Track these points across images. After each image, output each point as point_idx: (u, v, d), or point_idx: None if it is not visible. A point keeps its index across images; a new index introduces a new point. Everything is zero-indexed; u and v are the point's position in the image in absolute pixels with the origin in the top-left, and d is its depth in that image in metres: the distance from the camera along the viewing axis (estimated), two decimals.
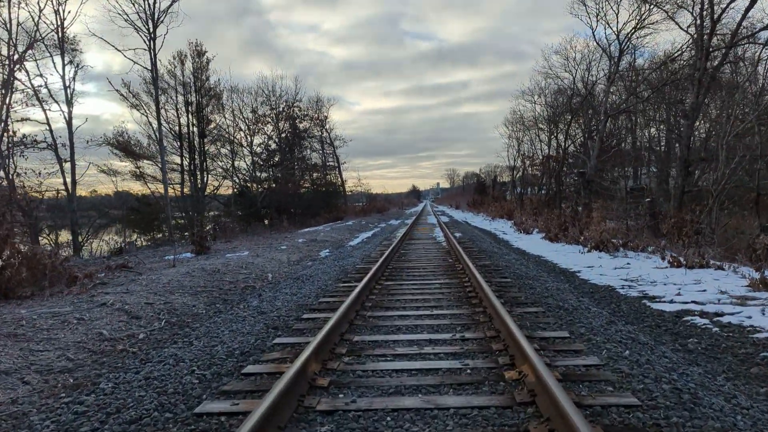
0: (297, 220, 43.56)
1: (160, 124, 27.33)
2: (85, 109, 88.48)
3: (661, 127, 43.82)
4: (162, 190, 36.83)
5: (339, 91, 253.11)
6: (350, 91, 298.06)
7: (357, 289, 7.48)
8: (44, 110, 25.55)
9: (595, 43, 34.10)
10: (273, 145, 47.98)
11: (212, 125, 39.00)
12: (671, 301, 8.27)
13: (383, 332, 5.73)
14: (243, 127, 43.61)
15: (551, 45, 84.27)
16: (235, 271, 11.50)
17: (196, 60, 37.12)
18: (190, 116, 37.34)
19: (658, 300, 8.35)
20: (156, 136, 28.53)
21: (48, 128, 25.52)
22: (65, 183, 26.01)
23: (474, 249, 14.91)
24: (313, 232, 25.73)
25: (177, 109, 36.61)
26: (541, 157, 52.07)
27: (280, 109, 47.90)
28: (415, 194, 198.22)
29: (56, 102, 26.01)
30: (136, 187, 34.24)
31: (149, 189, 34.10)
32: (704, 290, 9.03)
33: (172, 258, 16.29)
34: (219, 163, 40.20)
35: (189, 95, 37.15)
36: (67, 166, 25.84)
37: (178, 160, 37.03)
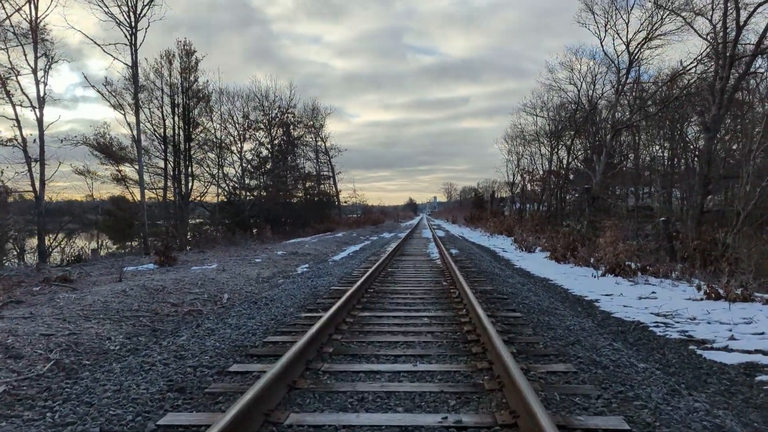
0: (286, 230, 41.65)
1: (138, 122, 25.45)
2: (85, 114, 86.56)
3: (666, 144, 42.18)
4: (147, 194, 35.06)
5: (340, 103, 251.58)
6: (351, 103, 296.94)
7: (319, 324, 5.58)
8: (12, 104, 23.67)
9: (602, 54, 32.46)
10: (264, 152, 46.18)
11: (200, 129, 37.14)
12: (728, 349, 6.37)
13: (336, 406, 3.77)
14: (233, 132, 41.73)
15: (556, 57, 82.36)
16: (186, 290, 9.57)
17: (185, 60, 35.32)
18: (176, 118, 35.50)
19: (709, 346, 6.46)
20: (135, 135, 26.59)
21: (17, 124, 23.64)
22: (33, 184, 24.05)
23: (472, 269, 13.02)
24: (297, 243, 23.82)
25: (162, 111, 34.79)
26: (541, 173, 50.42)
27: (273, 114, 46.13)
28: (412, 207, 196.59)
29: (27, 97, 24.10)
30: (116, 191, 32.30)
31: (130, 194, 32.26)
32: (762, 333, 7.15)
33: (130, 269, 14.37)
34: (206, 168, 38.27)
35: (176, 96, 35.35)
36: (37, 167, 23.94)
37: (162, 164, 35.21)
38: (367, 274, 10.43)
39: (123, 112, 26.25)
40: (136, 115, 25.60)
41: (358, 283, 8.96)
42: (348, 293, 7.69)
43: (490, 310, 7.20)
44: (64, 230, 26.83)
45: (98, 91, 25.07)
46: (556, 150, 49.58)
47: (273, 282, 11.49)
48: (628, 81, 31.23)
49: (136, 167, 34.51)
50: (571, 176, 42.87)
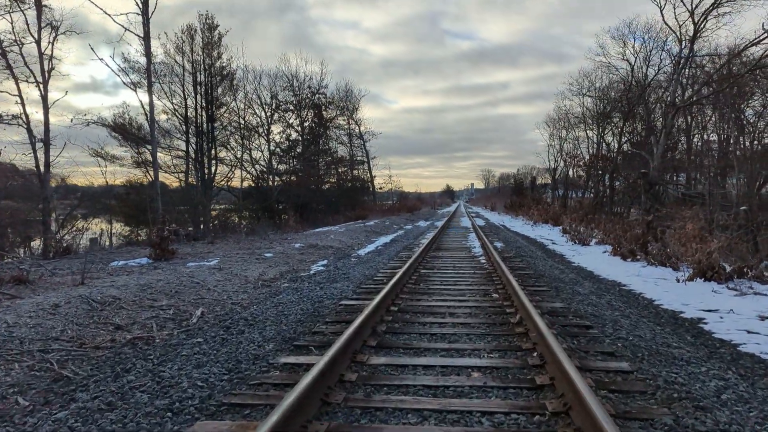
0: (317, 217, 39.42)
1: (151, 97, 23.31)
2: (116, 101, 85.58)
3: (724, 126, 38.40)
4: (168, 178, 33.17)
5: (377, 89, 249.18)
6: (389, 89, 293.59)
7: (301, 388, 3.13)
8: (16, 80, 21.80)
9: (661, 25, 29.09)
10: (294, 135, 43.91)
11: (224, 109, 35.03)
12: None
13: None
14: (260, 114, 39.51)
15: (608, 30, 76.51)
16: (149, 301, 7.21)
17: (207, 35, 33.20)
18: (198, 98, 33.47)
19: None
20: (147, 113, 24.50)
21: (20, 101, 21.79)
22: (37, 166, 22.22)
23: (526, 271, 10.40)
24: (322, 233, 21.44)
25: (184, 90, 32.80)
26: (587, 157, 46.99)
27: (304, 95, 43.72)
28: (449, 194, 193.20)
29: (31, 71, 22.18)
30: (137, 176, 30.42)
31: (148, 178, 30.36)
32: None
33: (117, 264, 12.17)
34: (230, 151, 36.19)
35: (198, 74, 33.28)
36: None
37: (183, 146, 33.26)
38: (394, 279, 7.93)
39: (134, 88, 24.11)
40: (149, 90, 23.46)
41: (380, 296, 6.46)
42: (360, 318, 5.20)
43: (581, 359, 4.61)
44: (77, 216, 25.03)
45: (107, 65, 23.00)
46: (603, 133, 46.14)
47: (273, 288, 9.06)
48: (692, 54, 27.78)
49: (159, 150, 32.89)
50: (619, 160, 39.47)
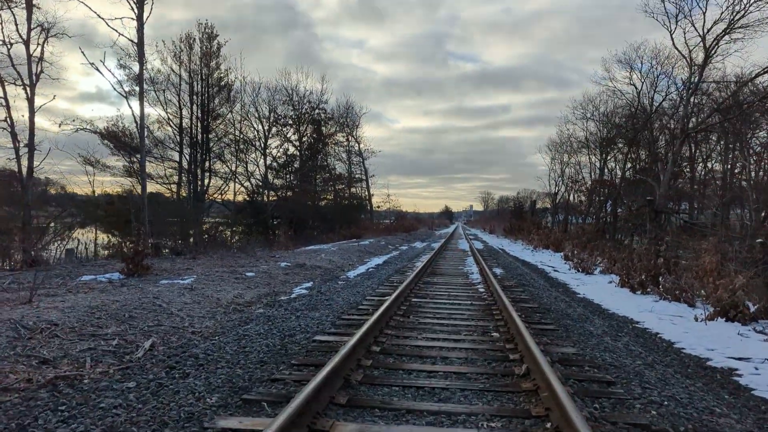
0: (314, 234, 38.40)
1: (142, 104, 22.40)
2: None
3: (730, 155, 37.60)
4: (160, 189, 32.17)
5: (379, 108, 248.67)
6: (390, 108, 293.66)
7: None
8: (2, 82, 20.92)
9: (670, 49, 28.39)
10: (292, 150, 43.02)
11: (219, 120, 34.18)
12: None
13: None
14: (257, 127, 38.65)
15: (614, 52, 75.77)
16: (94, 328, 6.18)
17: (206, 44, 32.44)
18: (195, 108, 32.62)
19: None
20: (137, 120, 23.57)
21: (5, 104, 20.89)
22: (19, 171, 21.27)
23: (529, 303, 9.39)
24: (313, 252, 20.42)
25: (180, 99, 31.97)
26: (588, 183, 46.10)
27: (304, 110, 42.89)
28: (447, 215, 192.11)
29: (18, 73, 21.31)
30: (123, 186, 29.45)
31: (139, 187, 29.39)
32: None
33: (85, 279, 11.14)
34: (225, 164, 35.26)
35: (195, 83, 32.46)
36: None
37: (177, 156, 32.35)
38: (381, 309, 6.93)
39: (126, 95, 23.23)
40: (140, 96, 22.57)
41: (361, 331, 5.48)
42: (333, 363, 4.20)
43: None
44: (61, 225, 23.99)
45: (96, 69, 22.09)
46: (606, 159, 45.33)
47: (245, 314, 8.03)
48: (701, 81, 26.99)
49: (151, 160, 31.97)
50: (622, 187, 38.54)
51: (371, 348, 5.61)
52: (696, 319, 9.67)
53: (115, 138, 29.10)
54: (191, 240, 27.08)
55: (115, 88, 24.08)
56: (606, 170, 45.72)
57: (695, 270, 11.72)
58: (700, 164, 38.14)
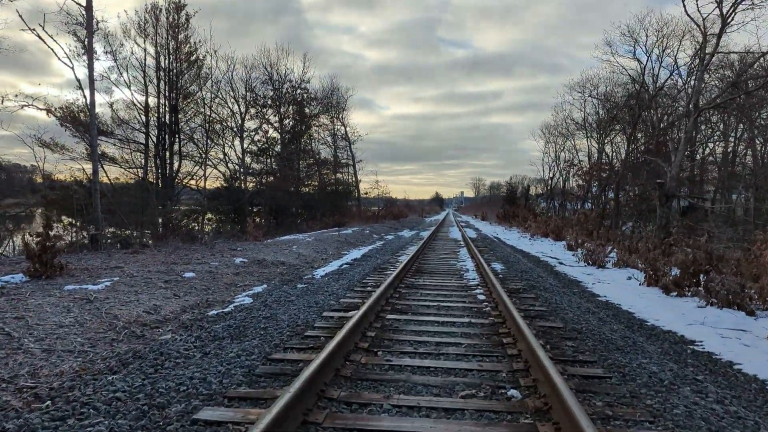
0: (290, 221, 35.80)
1: (91, 74, 19.59)
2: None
3: (732, 134, 35.29)
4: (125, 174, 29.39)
5: (370, 95, 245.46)
6: (381, 94, 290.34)
7: None
8: None
9: (680, 16, 25.84)
10: (272, 132, 40.24)
11: (190, 99, 31.35)
12: None
13: None
14: (233, 107, 35.82)
15: (618, 25, 71.78)
16: None
17: (173, 15, 29.51)
18: (162, 85, 29.76)
19: None
20: (87, 96, 20.75)
21: None
22: None
23: (549, 319, 6.85)
24: (285, 243, 17.82)
25: (145, 75, 29.09)
26: (587, 166, 43.59)
27: (285, 90, 40.05)
28: (438, 202, 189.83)
29: None
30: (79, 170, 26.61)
31: (104, 173, 26.62)
32: None
33: None
34: (197, 147, 32.45)
35: (162, 58, 29.57)
36: None
37: (143, 139, 29.51)
38: (337, 339, 4.43)
39: (71, 65, 20.37)
40: (90, 65, 19.76)
41: (290, 394, 2.96)
42: None
43: None
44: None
45: (38, 36, 19.20)
46: (604, 141, 42.89)
47: (140, 345, 5.43)
48: (718, 50, 24.44)
49: (114, 142, 29.21)
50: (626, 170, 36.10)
51: (308, 420, 3.06)
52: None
53: (73, 118, 26.28)
54: (159, 230, 24.45)
55: (58, 57, 20.80)
56: (605, 153, 43.35)
57: (755, 267, 9.22)
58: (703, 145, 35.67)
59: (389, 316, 6.62)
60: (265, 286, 9.45)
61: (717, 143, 36.66)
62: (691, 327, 7.77)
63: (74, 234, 19.26)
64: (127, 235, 17.16)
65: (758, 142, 32.95)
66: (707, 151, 36.45)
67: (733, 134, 35.79)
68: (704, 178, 36.84)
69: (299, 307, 7.19)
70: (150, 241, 18.07)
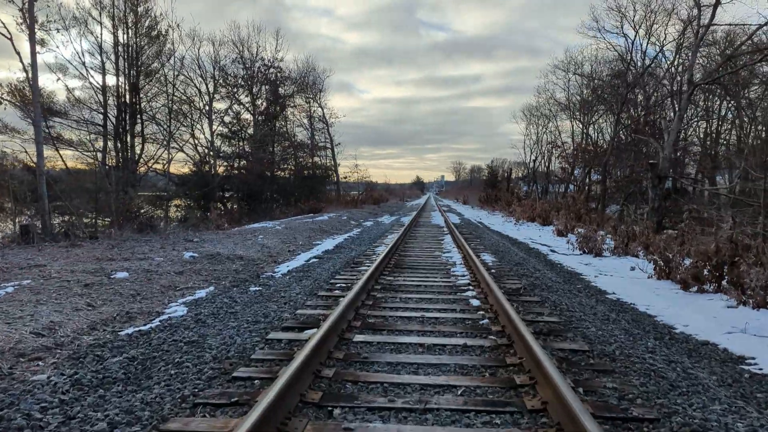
0: (264, 207, 34.00)
1: (33, 45, 17.55)
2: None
3: (714, 114, 34.14)
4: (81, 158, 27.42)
5: (350, 78, 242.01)
6: (361, 78, 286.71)
7: None
8: None
9: None
10: (245, 114, 38.23)
11: (152, 77, 29.29)
12: None
13: None
14: (200, 87, 33.76)
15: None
16: None
17: None
18: (120, 62, 27.64)
19: None
20: (28, 70, 18.64)
21: None
22: None
23: (565, 335, 5.26)
24: (251, 232, 16.10)
25: (101, 51, 26.95)
26: (572, 148, 42.22)
27: (256, 69, 37.96)
28: (419, 186, 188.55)
29: None
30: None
31: (60, 157, 24.60)
32: None
33: None
34: (161, 128, 30.44)
35: (119, 32, 27.43)
36: None
37: (100, 120, 27.42)
38: (288, 374, 2.88)
39: (9, 36, 18.23)
40: (31, 35, 17.71)
41: None
42: None
43: None
44: None
45: None
46: (589, 121, 41.58)
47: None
48: (713, 23, 23.01)
49: (69, 123, 27.14)
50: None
51: None
52: None
53: (22, 96, 24.13)
54: (119, 218, 22.55)
55: None
56: (588, 135, 42.07)
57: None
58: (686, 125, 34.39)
59: (357, 338, 4.97)
60: (211, 288, 7.77)
61: (698, 124, 35.54)
62: (732, 336, 6.28)
63: (12, 225, 17.34)
64: (72, 224, 15.28)
65: (745, 120, 31.80)
66: (690, 131, 35.32)
67: (716, 114, 34.73)
68: (686, 160, 35.77)
69: (240, 323, 5.53)
70: (98, 232, 16.20)
